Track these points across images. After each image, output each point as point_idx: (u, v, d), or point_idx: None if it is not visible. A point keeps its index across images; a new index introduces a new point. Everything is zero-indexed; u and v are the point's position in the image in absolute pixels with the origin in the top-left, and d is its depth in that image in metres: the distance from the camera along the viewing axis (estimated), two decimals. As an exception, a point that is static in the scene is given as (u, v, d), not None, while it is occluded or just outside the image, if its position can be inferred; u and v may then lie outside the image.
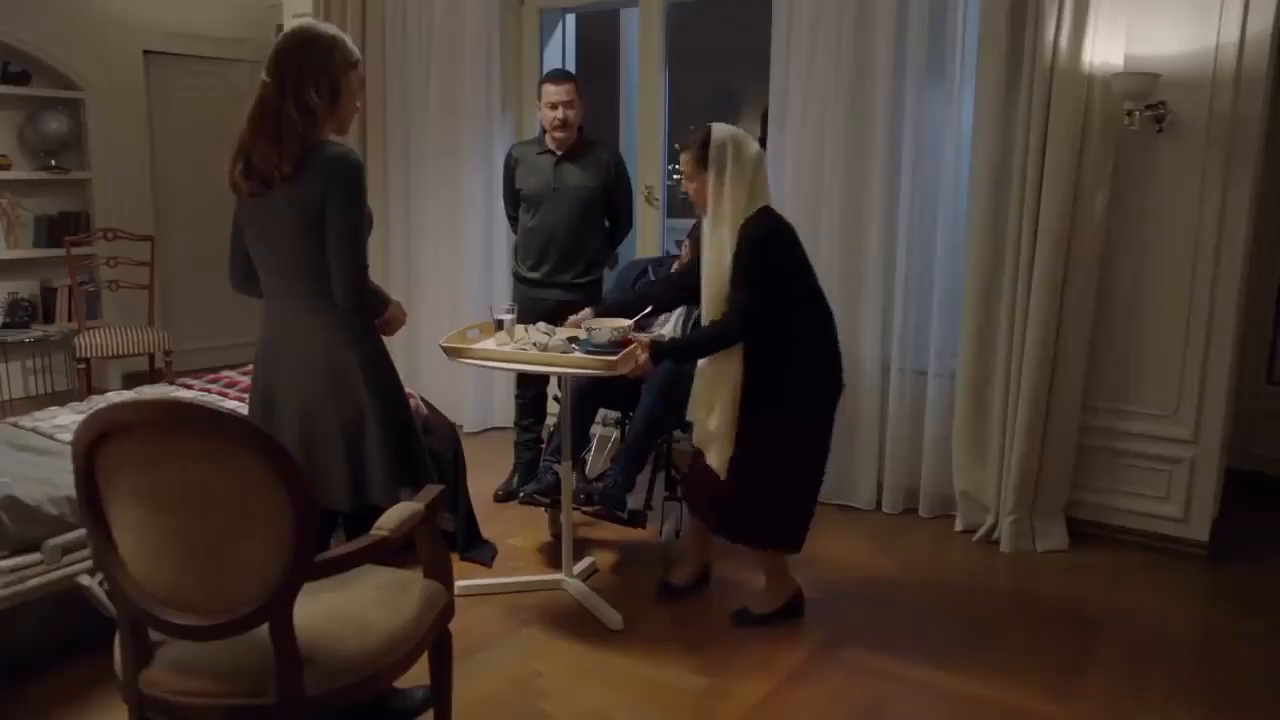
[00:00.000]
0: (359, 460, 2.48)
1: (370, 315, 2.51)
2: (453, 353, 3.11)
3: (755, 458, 3.04)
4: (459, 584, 2.87)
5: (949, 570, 3.73)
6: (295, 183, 2.31)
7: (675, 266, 3.93)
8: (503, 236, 5.12)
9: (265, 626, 1.79)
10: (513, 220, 4.41)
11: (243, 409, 3.47)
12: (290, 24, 6.11)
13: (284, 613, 1.79)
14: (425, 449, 2.64)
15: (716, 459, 3.06)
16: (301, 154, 2.31)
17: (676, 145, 3.05)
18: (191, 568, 1.80)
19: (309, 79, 2.32)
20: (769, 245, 2.97)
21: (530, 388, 4.39)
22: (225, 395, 3.96)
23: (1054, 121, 3.67)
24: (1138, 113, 3.60)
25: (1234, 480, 4.22)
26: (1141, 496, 3.89)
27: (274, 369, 2.53)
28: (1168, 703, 2.78)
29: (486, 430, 5.45)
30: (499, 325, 3.28)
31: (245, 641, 1.84)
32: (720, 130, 3.02)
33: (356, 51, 2.46)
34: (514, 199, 4.31)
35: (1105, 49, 3.64)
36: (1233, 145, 3.57)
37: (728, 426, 3.03)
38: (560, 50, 5.55)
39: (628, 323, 3.17)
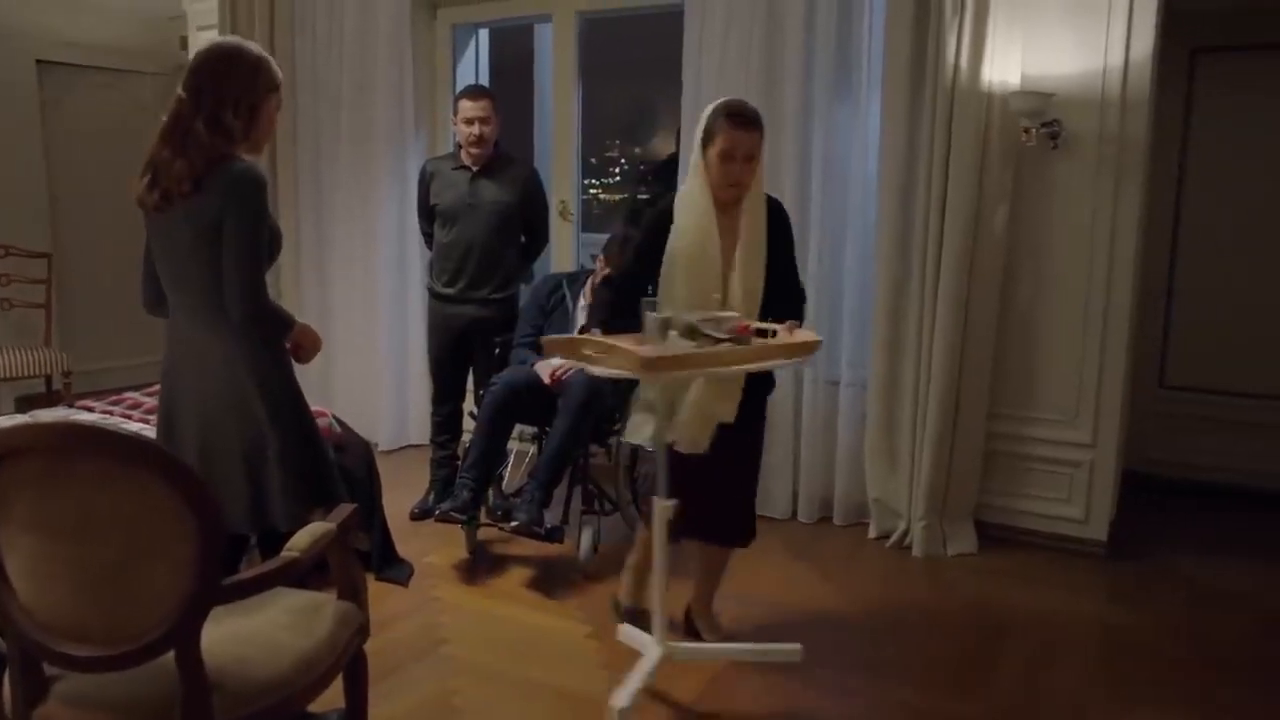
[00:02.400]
0: (260, 482, 2.44)
1: (267, 332, 2.44)
2: (660, 365, 2.45)
3: (757, 450, 3.09)
4: (682, 646, 2.92)
5: (864, 577, 3.80)
6: (195, 198, 2.28)
7: (598, 279, 3.94)
8: (417, 252, 5.07)
9: (170, 654, 1.74)
10: (427, 236, 4.38)
11: (148, 431, 3.38)
12: (194, 36, 6.01)
13: (190, 639, 1.74)
14: (335, 469, 2.60)
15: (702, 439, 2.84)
16: (204, 171, 2.27)
17: (747, 125, 2.73)
18: (91, 597, 1.73)
19: (228, 99, 2.30)
20: None
21: (447, 403, 4.36)
22: (129, 417, 3.84)
23: (956, 137, 3.80)
24: (1034, 130, 3.75)
25: (1130, 481, 4.40)
26: (1045, 499, 4.03)
27: (176, 387, 2.49)
28: (1072, 695, 2.88)
29: (403, 448, 5.38)
30: (660, 329, 2.61)
31: (148, 671, 1.78)
32: None
33: (280, 74, 2.43)
34: (428, 214, 4.27)
35: (1003, 68, 3.78)
36: (1121, 161, 3.73)
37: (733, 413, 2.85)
38: (474, 65, 5.53)
39: (733, 313, 2.68)
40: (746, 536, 3.10)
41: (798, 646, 2.96)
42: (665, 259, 2.83)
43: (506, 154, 4.23)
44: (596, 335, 2.69)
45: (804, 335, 2.71)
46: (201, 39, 5.95)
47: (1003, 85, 3.78)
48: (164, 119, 2.32)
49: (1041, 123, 3.75)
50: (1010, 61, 3.79)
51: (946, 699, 2.86)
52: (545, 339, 3.00)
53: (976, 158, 3.80)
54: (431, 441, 4.44)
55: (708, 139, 2.77)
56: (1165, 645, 3.22)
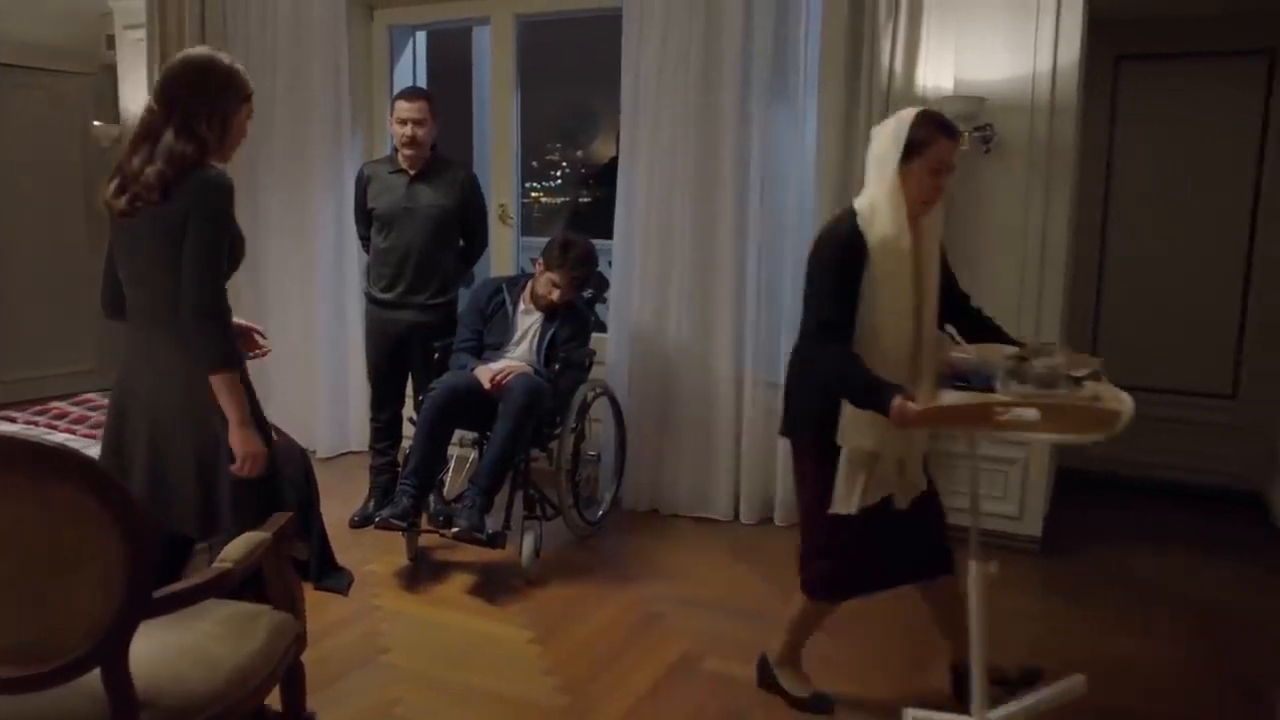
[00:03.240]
0: (211, 489, 2.41)
1: (215, 331, 2.33)
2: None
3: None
4: (993, 714, 2.53)
5: (805, 576, 3.83)
6: (163, 205, 2.29)
7: (538, 284, 3.92)
8: (355, 256, 5.00)
9: (97, 672, 1.69)
10: (364, 240, 4.32)
11: (74, 442, 3.30)
12: (121, 35, 5.87)
13: (117, 655, 1.70)
14: (283, 482, 2.58)
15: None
16: (174, 180, 2.28)
17: (956, 135, 2.56)
18: (10, 615, 1.68)
19: (201, 111, 2.32)
20: None
21: (386, 409, 4.30)
22: (54, 428, 3.73)
23: (891, 141, 3.85)
24: (967, 134, 3.81)
25: (1063, 478, 4.50)
26: (981, 496, 4.08)
27: (130, 390, 2.46)
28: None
29: (342, 455, 5.30)
30: (1016, 375, 2.29)
31: (74, 689, 1.73)
32: None
33: (251, 84, 2.45)
34: (365, 218, 4.22)
35: (936, 72, 3.84)
36: (1051, 165, 3.81)
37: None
38: (411, 68, 5.48)
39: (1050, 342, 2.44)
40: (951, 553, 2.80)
41: (1081, 678, 2.71)
42: (865, 289, 2.49)
43: (444, 158, 4.19)
44: (951, 395, 2.34)
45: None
46: (129, 37, 5.83)
47: (936, 89, 3.85)
48: (135, 128, 2.35)
49: (974, 127, 3.82)
50: (943, 66, 3.86)
51: (886, 693, 2.89)
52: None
53: (911, 161, 3.86)
54: (371, 448, 4.38)
55: (915, 150, 2.47)
56: (1098, 637, 3.29)
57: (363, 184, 4.21)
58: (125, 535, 1.65)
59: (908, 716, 2.63)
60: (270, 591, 2.17)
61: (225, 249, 2.36)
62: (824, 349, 2.52)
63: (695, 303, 4.32)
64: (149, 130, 2.32)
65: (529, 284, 4.08)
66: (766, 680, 2.90)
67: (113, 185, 2.34)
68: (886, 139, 2.52)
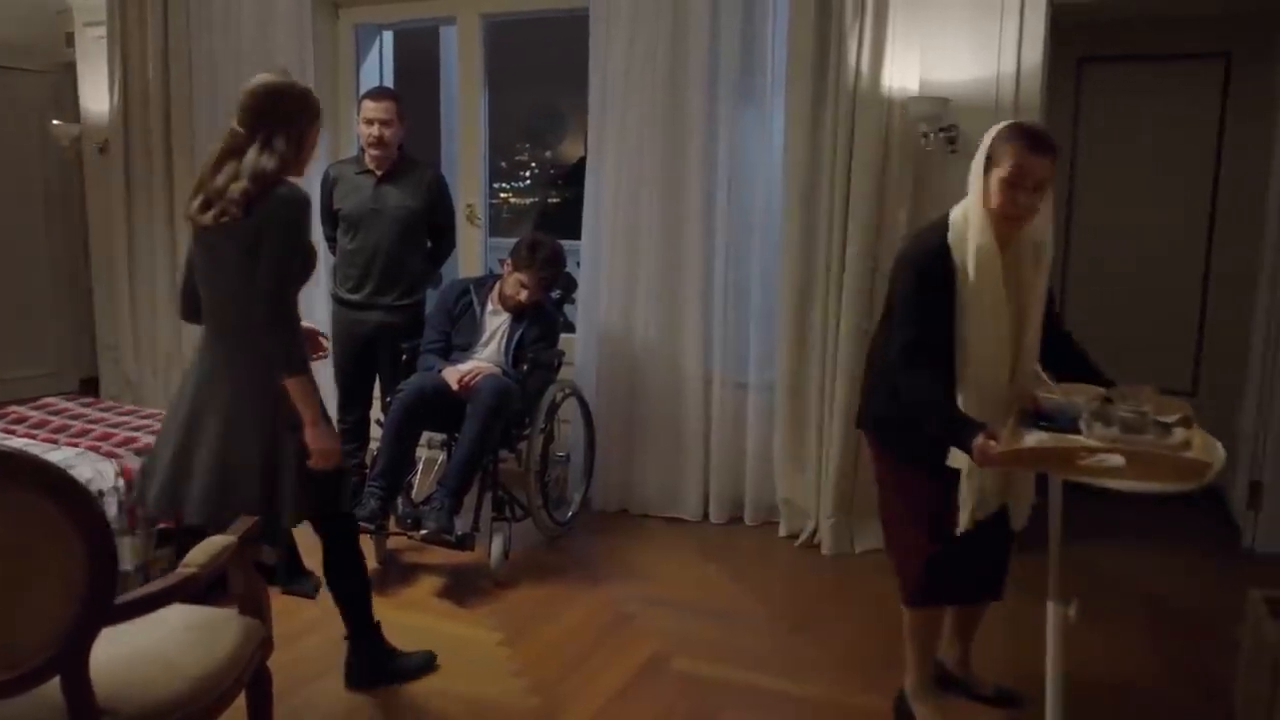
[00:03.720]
0: (273, 486, 2.55)
1: (283, 338, 2.51)
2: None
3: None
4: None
5: (775, 576, 3.85)
6: (243, 220, 2.46)
7: (506, 285, 3.91)
8: (322, 257, 4.94)
9: (56, 680, 1.67)
10: (330, 241, 4.28)
11: (34, 447, 3.25)
12: (81, 32, 5.78)
13: (78, 663, 1.67)
14: (347, 479, 2.77)
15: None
16: (256, 195, 2.46)
17: (1040, 149, 2.30)
18: (-31, 621, 1.65)
19: (280, 130, 2.52)
20: None
21: (353, 411, 4.27)
22: (11, 433, 3.66)
23: (858, 141, 3.88)
24: (933, 134, 3.85)
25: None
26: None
27: (205, 391, 2.59)
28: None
29: (308, 457, 5.25)
30: (1056, 422, 2.24)
31: (33, 697, 1.70)
32: None
33: (319, 103, 2.68)
34: (331, 219, 4.18)
35: (902, 74, 3.87)
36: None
37: None
38: (378, 67, 5.44)
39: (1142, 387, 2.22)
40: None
41: None
42: (957, 308, 2.36)
43: (411, 158, 4.17)
44: (1029, 437, 2.21)
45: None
46: (89, 35, 5.73)
47: (902, 90, 3.87)
48: (218, 147, 2.54)
49: (939, 127, 3.85)
50: (909, 67, 3.88)
51: (854, 694, 2.91)
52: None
53: (878, 161, 3.89)
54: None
55: (994, 160, 2.33)
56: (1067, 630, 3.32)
57: (329, 185, 4.18)
58: (86, 541, 1.62)
59: None
60: (236, 596, 2.14)
61: (298, 261, 2.55)
62: (910, 373, 2.37)
63: (663, 303, 4.33)
64: (233, 149, 2.51)
65: (497, 285, 4.07)
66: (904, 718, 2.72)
67: (197, 201, 2.53)
68: (979, 149, 2.40)
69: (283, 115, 2.54)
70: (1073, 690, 2.88)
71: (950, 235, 2.37)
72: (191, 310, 2.70)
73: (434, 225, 4.19)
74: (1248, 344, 4.31)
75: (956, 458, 2.38)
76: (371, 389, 4.28)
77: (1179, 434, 2.13)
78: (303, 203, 2.53)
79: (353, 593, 2.86)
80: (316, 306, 5.04)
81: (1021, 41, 3.79)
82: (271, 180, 2.48)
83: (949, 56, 3.89)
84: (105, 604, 1.69)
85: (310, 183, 4.80)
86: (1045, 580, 3.60)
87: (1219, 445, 2.12)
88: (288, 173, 2.55)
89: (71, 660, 1.66)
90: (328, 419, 2.66)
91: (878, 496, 2.74)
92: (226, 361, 2.58)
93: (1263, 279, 4.13)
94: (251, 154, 2.48)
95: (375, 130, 3.97)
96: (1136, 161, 4.89)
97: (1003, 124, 2.44)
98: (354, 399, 4.26)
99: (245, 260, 2.47)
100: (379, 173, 4.05)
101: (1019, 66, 3.80)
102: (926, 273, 2.36)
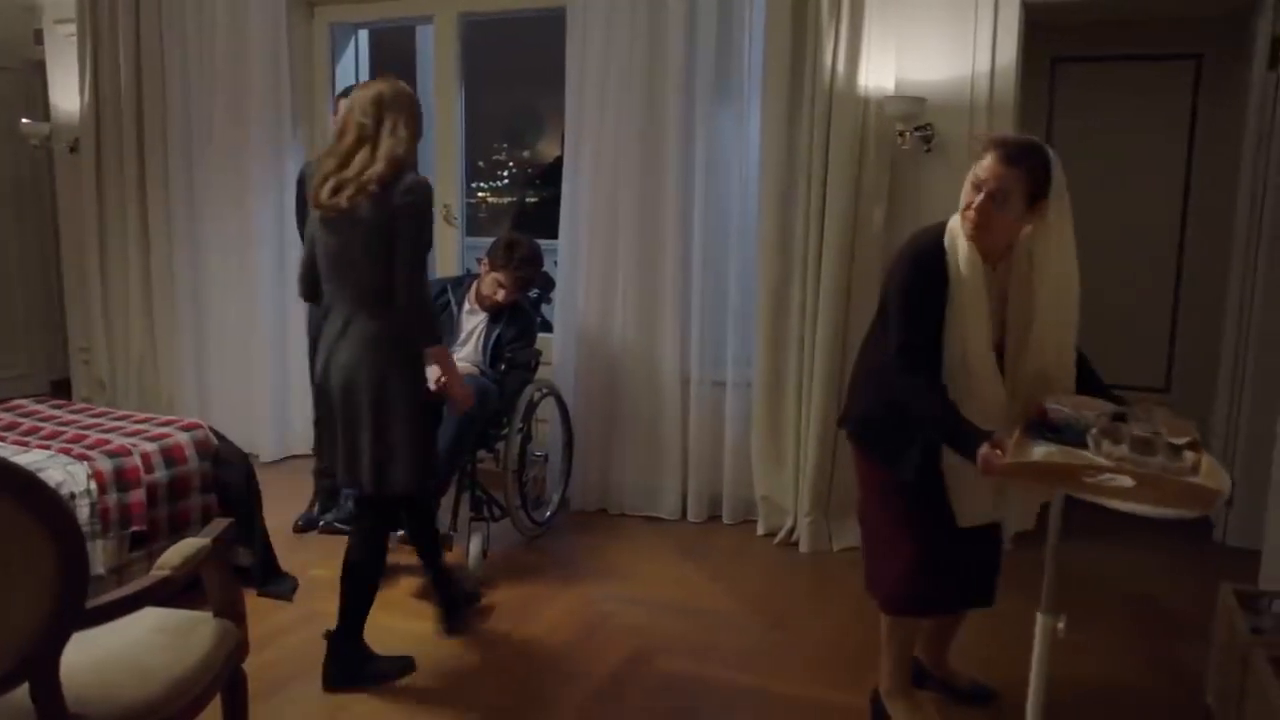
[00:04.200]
0: (386, 451, 2.78)
1: (423, 321, 2.83)
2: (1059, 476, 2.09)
3: None
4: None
5: (753, 574, 3.86)
6: (377, 202, 2.68)
7: (483, 285, 3.90)
8: (297, 255, 4.93)
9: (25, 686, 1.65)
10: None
11: (4, 449, 3.21)
12: (50, 29, 5.71)
13: (47, 668, 1.65)
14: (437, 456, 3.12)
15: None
16: (391, 177, 2.69)
17: (1003, 156, 2.27)
18: (-64, 626, 1.63)
19: (401, 118, 2.76)
20: None
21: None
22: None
23: (834, 141, 3.89)
24: (908, 134, 3.87)
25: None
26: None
27: (348, 369, 2.78)
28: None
29: (285, 459, 5.22)
30: (1063, 435, 2.15)
31: (2, 703, 1.68)
32: (1050, 149, 2.37)
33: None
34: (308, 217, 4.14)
35: (878, 74, 3.89)
36: (990, 165, 3.88)
37: None
38: (353, 66, 5.41)
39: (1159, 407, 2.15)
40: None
41: None
42: (948, 315, 2.31)
43: None
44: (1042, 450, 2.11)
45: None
46: (58, 32, 5.67)
47: (878, 90, 3.89)
48: (345, 141, 2.75)
49: (915, 126, 3.87)
50: (885, 67, 3.90)
51: (832, 691, 2.92)
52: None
53: (854, 160, 3.90)
54: (315, 451, 4.31)
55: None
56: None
57: (306, 182, 4.14)
58: (56, 545, 1.60)
59: None
60: (211, 598, 2.13)
61: (427, 240, 2.87)
62: (906, 377, 2.32)
63: (641, 302, 4.33)
64: (365, 137, 2.74)
65: (474, 284, 4.06)
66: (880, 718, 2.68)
67: (328, 186, 2.73)
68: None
69: (402, 106, 2.78)
70: (1053, 687, 2.92)
71: (946, 238, 2.34)
72: (312, 292, 2.94)
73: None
74: (1220, 342, 4.36)
75: (950, 466, 2.35)
76: None
77: (1188, 457, 2.05)
78: (429, 189, 2.80)
79: (367, 585, 2.94)
80: (291, 308, 5.02)
81: (996, 41, 3.82)
82: (400, 163, 2.72)
83: (924, 56, 3.92)
84: (76, 608, 1.67)
85: (286, 181, 4.83)
86: (1028, 576, 3.63)
87: (1224, 471, 2.07)
88: (411, 156, 2.80)
89: (42, 665, 1.64)
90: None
91: (857, 496, 2.71)
92: (361, 340, 2.77)
93: (1233, 277, 4.18)
94: (386, 143, 2.72)
95: None
96: (1110, 160, 4.93)
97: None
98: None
99: (377, 241, 2.69)
100: None
101: (993, 66, 3.84)
102: (924, 271, 2.32)
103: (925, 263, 2.34)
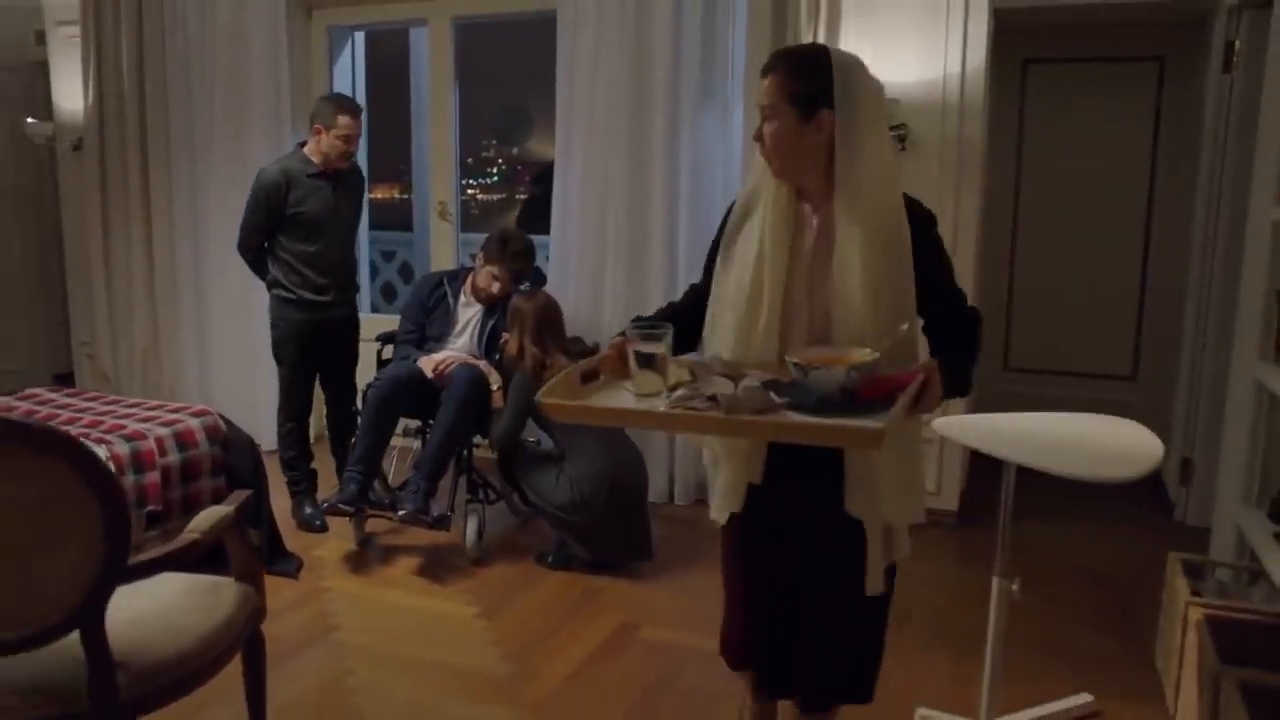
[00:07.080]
0: None
1: None
2: (564, 410, 1.90)
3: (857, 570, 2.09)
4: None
5: (736, 552, 4.03)
6: None
7: (478, 277, 4.07)
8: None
9: (75, 634, 1.82)
10: (263, 244, 4.15)
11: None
12: (53, 30, 5.82)
13: (95, 619, 1.82)
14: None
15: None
16: None
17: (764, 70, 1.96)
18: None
19: None
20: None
21: (304, 416, 4.32)
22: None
23: (812, 140, 4.07)
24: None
25: (978, 457, 4.75)
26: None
27: None
28: (929, 650, 3.16)
29: (285, 447, 5.37)
30: (643, 362, 1.95)
31: (50, 651, 1.85)
32: (838, 51, 1.90)
33: None
34: (281, 223, 4.07)
35: (853, 76, 4.07)
36: (962, 162, 4.07)
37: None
38: (350, 67, 5.56)
39: (868, 354, 1.79)
40: (857, 691, 2.12)
41: (1089, 697, 2.82)
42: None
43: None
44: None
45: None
46: (61, 34, 5.79)
47: (854, 92, 4.07)
48: None
49: (890, 127, 4.05)
50: (860, 69, 4.08)
51: (889, 687, 3.08)
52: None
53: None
54: (285, 456, 4.31)
55: None
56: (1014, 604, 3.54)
57: (281, 189, 4.03)
58: (102, 504, 1.78)
59: (918, 715, 2.72)
60: (234, 563, 2.30)
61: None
62: None
63: (630, 296, 4.50)
64: None
65: (469, 277, 4.22)
66: None
67: None
68: None
69: None
70: (1008, 646, 3.11)
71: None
72: None
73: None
74: (1181, 332, 4.55)
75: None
76: (314, 392, 4.35)
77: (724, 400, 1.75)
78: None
79: None
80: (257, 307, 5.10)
81: (966, 44, 4.00)
82: None
83: (898, 58, 4.10)
84: (121, 564, 1.84)
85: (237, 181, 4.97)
86: (987, 552, 3.81)
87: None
88: None
89: (90, 615, 1.81)
90: None
91: None
92: None
93: (1192, 271, 4.38)
94: None
95: (351, 147, 4.06)
96: (1080, 157, 5.14)
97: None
98: (304, 402, 4.30)
99: None
100: (334, 177, 4.11)
101: (964, 67, 4.02)
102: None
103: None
